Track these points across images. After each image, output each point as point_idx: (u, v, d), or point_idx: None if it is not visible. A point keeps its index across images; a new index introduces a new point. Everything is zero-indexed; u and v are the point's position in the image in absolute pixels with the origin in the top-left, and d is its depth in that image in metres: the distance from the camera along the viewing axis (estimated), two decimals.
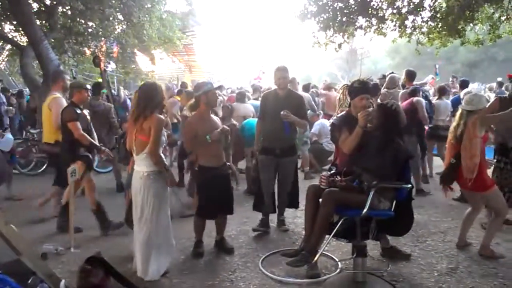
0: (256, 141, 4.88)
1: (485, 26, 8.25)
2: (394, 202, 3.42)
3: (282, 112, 4.41)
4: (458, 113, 4.16)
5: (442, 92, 7.55)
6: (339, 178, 3.49)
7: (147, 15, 11.63)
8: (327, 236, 3.42)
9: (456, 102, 7.36)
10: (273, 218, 4.92)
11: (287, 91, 4.71)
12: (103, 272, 2.40)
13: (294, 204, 4.92)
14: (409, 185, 3.46)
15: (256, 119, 6.61)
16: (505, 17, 7.74)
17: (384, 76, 7.07)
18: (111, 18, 10.96)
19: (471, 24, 7.74)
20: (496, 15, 7.75)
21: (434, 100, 7.40)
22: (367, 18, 7.93)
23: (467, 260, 3.89)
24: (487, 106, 4.23)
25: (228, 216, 4.29)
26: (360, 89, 3.77)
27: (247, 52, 53.52)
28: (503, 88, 10.23)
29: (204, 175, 4.06)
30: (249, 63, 35.96)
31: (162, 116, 3.57)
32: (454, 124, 4.16)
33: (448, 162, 4.12)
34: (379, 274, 3.60)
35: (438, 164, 7.30)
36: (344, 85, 4.88)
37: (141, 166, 3.55)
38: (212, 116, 4.27)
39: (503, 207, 3.98)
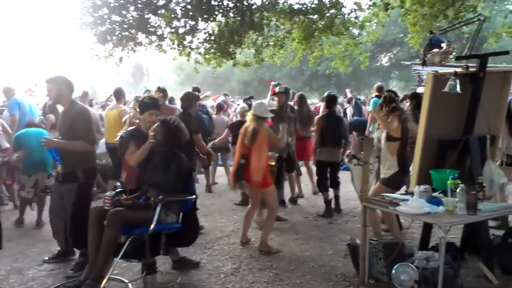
0: None
1: (251, 50, 9.45)
2: (181, 214, 3.54)
3: (42, 140, 3.85)
4: (249, 117, 4.50)
5: (219, 108, 8.30)
6: (124, 196, 3.40)
7: None
8: (115, 259, 3.26)
9: None
10: None
11: (68, 106, 3.93)
12: None
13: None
14: (194, 196, 3.64)
15: None
16: (266, 43, 9.04)
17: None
18: None
19: (240, 48, 8.72)
20: (260, 41, 8.96)
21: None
22: (146, 35, 7.97)
23: (248, 258, 4.32)
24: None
25: None
26: (150, 104, 3.83)
27: (15, 60, 46.39)
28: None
29: None
30: (19, 73, 31.30)
31: None
32: (248, 126, 4.44)
33: (238, 160, 4.48)
34: None
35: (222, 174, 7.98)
36: (135, 99, 4.80)
37: None
38: None
39: (275, 205, 4.62)
